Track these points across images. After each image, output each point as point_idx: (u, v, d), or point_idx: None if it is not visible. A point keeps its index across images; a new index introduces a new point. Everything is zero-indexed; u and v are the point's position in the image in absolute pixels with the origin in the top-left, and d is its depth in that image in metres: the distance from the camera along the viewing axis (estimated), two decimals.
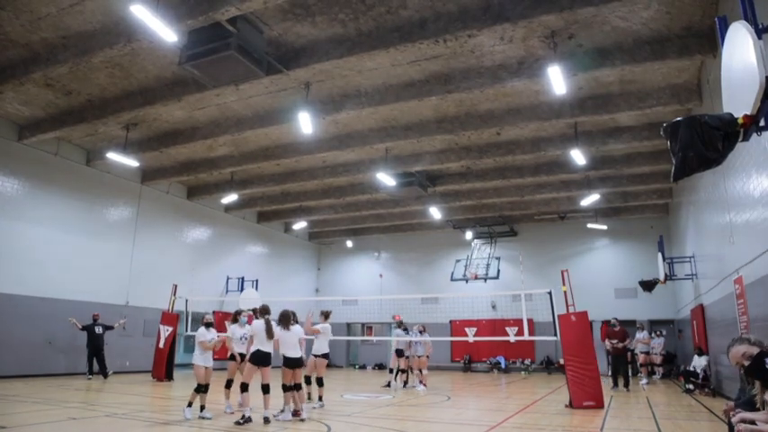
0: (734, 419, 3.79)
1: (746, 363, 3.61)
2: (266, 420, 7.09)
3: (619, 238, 21.45)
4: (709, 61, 9.41)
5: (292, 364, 7.74)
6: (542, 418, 8.25)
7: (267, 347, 7.43)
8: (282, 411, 7.68)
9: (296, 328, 7.90)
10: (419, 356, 13.63)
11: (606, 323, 18.72)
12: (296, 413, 7.63)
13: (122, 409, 8.23)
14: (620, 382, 13.28)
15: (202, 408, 7.65)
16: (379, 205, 20.34)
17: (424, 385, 13.23)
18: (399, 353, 14.04)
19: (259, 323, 7.50)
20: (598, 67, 9.88)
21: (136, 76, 11.14)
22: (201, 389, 7.66)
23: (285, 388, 7.68)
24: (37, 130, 13.37)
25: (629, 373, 14.07)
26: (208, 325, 8.10)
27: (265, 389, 7.31)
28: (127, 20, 8.61)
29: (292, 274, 24.76)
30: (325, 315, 9.78)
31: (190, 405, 7.49)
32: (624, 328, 13.84)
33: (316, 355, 9.42)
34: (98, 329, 13.93)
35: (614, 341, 13.41)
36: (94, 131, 14.05)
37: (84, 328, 13.77)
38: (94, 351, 13.80)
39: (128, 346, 15.82)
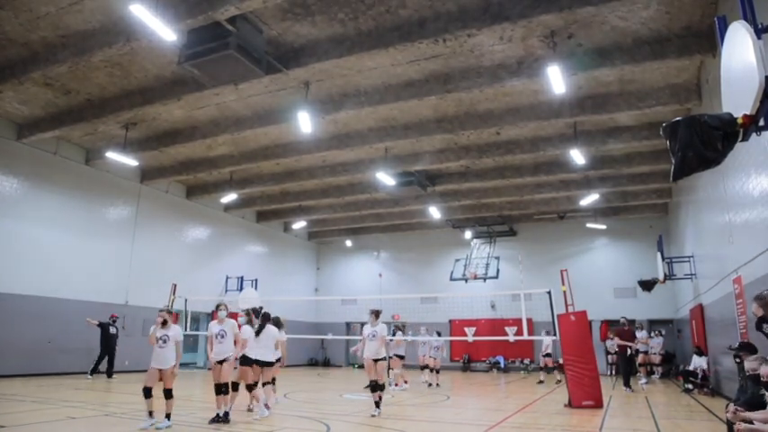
0: (732, 417, 3.83)
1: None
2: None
3: (618, 237, 21.46)
4: (709, 61, 9.41)
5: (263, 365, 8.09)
6: (542, 418, 8.27)
7: None
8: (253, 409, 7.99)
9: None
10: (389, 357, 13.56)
11: (606, 323, 18.81)
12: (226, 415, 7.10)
13: (122, 409, 8.23)
14: (621, 380, 13.32)
15: (150, 413, 6.54)
16: (378, 205, 20.33)
17: (396, 385, 13.08)
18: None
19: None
20: (597, 67, 9.88)
21: (135, 76, 11.13)
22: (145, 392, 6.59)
23: (250, 388, 7.94)
24: (36, 129, 13.36)
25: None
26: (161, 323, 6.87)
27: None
28: (126, 19, 8.59)
29: (292, 273, 24.74)
30: (376, 314, 8.74)
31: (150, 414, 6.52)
32: (632, 329, 13.83)
33: (376, 360, 8.60)
34: (112, 330, 14.05)
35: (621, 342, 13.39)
36: (94, 131, 14.05)
37: (99, 325, 13.89)
38: (107, 350, 13.89)
39: (127, 346, 15.76)
